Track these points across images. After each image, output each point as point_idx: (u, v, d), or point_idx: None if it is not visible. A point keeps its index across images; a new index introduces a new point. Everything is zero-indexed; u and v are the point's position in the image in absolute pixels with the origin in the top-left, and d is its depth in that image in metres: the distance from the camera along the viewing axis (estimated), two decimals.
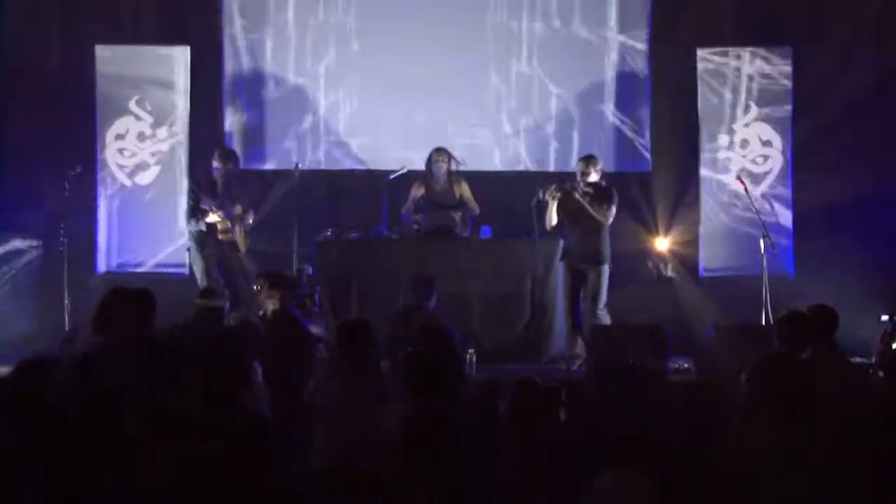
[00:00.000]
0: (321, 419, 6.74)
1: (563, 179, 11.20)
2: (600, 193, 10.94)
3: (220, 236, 11.22)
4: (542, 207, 10.96)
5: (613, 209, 10.94)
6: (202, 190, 11.35)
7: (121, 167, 12.56)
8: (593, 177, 10.97)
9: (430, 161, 11.66)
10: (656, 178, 12.82)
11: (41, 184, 12.30)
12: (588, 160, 11.13)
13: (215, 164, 11.46)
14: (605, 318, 10.86)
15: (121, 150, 12.57)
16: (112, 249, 12.51)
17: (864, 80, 12.45)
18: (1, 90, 12.66)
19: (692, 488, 5.41)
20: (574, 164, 11.94)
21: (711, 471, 5.46)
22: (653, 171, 12.88)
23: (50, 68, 12.54)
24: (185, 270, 12.13)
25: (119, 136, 12.56)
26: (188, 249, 11.59)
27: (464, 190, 11.68)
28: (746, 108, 12.56)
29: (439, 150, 11.68)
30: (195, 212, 11.28)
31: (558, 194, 10.89)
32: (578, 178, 10.99)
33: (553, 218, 10.93)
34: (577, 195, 10.87)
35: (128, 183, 12.57)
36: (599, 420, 6.29)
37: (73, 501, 5.17)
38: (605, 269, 10.94)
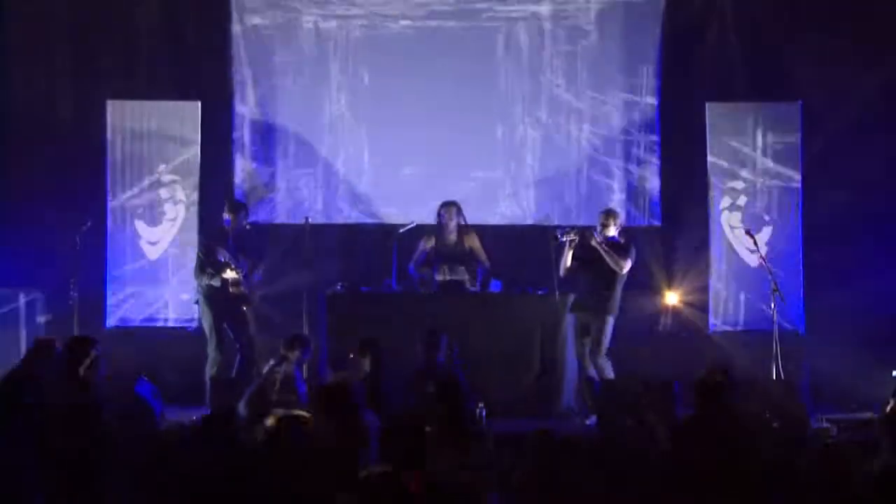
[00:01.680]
0: None
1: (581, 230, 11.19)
2: (616, 246, 10.97)
3: (231, 289, 11.17)
4: (560, 249, 10.98)
5: (629, 262, 10.95)
6: (214, 243, 11.29)
7: (132, 222, 12.58)
8: (612, 230, 11.01)
9: (439, 215, 11.68)
10: (665, 232, 12.83)
11: (52, 238, 12.32)
12: (608, 213, 11.19)
13: (226, 216, 11.44)
14: (608, 367, 10.83)
15: (132, 206, 12.59)
16: (121, 304, 12.50)
17: (873, 136, 12.48)
18: (12, 144, 12.72)
19: None
20: (582, 218, 12.05)
21: None
22: (663, 225, 12.90)
23: (61, 122, 12.62)
24: (194, 324, 12.13)
25: (132, 195, 12.59)
26: (196, 303, 11.56)
27: (473, 242, 11.68)
28: (756, 163, 12.57)
29: (448, 204, 11.70)
30: (206, 266, 11.22)
31: (576, 238, 10.92)
32: (598, 230, 11.04)
33: (568, 261, 10.95)
34: (593, 242, 10.90)
35: (138, 238, 12.58)
36: (615, 473, 6.29)
37: None
38: (609, 319, 10.94)
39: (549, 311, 11.23)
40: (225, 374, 11.03)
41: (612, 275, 10.91)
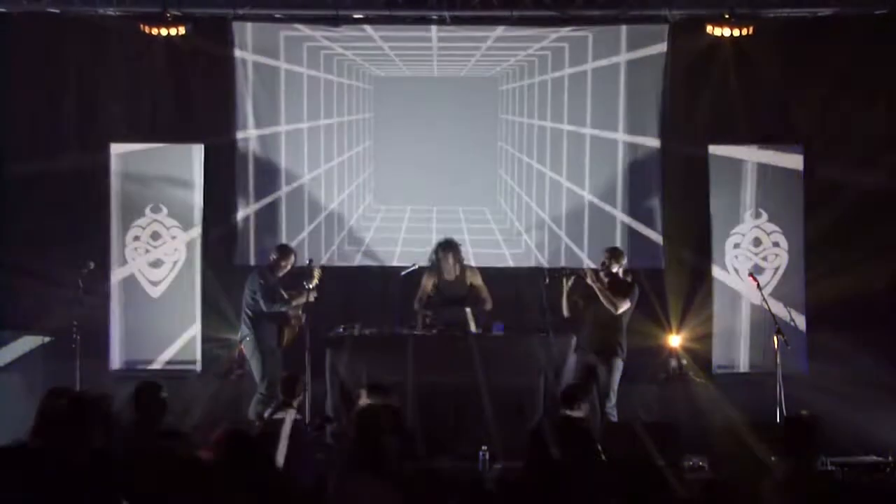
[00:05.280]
0: None
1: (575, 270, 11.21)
2: (617, 284, 10.96)
3: (292, 322, 11.25)
4: (554, 288, 10.97)
5: (627, 303, 10.91)
6: (271, 280, 11.37)
7: (135, 264, 12.60)
8: (615, 268, 11.00)
9: (436, 256, 11.62)
10: (668, 274, 12.83)
11: (55, 281, 12.32)
12: (612, 252, 11.19)
13: (278, 259, 11.47)
14: (613, 416, 10.79)
15: (136, 248, 12.62)
16: (125, 346, 12.50)
17: (874, 177, 12.49)
18: (16, 186, 12.74)
19: None
20: (585, 260, 12.12)
21: None
22: (665, 267, 12.90)
23: (65, 165, 12.63)
24: (197, 367, 12.11)
25: (136, 237, 12.63)
26: (243, 340, 11.50)
27: (476, 279, 11.63)
28: (758, 205, 12.60)
29: (443, 246, 11.62)
30: (274, 296, 11.29)
31: (571, 278, 10.92)
32: (601, 267, 11.05)
33: (565, 305, 10.94)
34: (588, 280, 10.90)
35: (141, 279, 12.60)
36: None
37: None
38: (618, 363, 10.91)
39: (553, 353, 11.20)
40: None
41: (614, 318, 10.89)
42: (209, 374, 12.28)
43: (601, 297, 10.84)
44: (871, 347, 12.04)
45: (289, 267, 11.46)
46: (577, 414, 9.08)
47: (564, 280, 10.91)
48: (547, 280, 11.00)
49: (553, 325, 11.22)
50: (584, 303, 10.95)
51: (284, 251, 11.61)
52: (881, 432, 10.57)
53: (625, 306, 10.90)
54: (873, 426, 10.90)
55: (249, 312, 11.37)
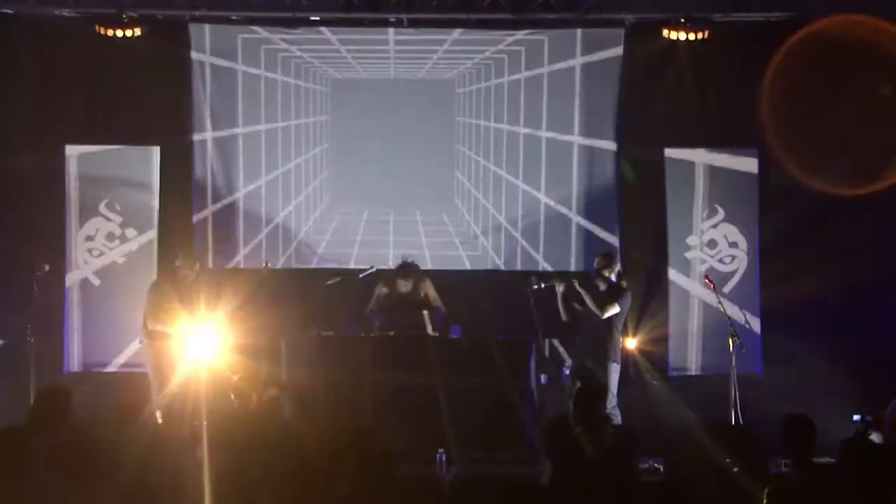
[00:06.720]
0: None
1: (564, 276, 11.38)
2: (610, 289, 11.12)
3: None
4: (541, 296, 11.07)
5: (615, 307, 11.04)
6: (167, 291, 11.28)
7: (89, 266, 12.52)
8: (607, 273, 11.16)
9: (395, 276, 11.56)
10: (625, 277, 12.84)
11: (9, 283, 12.23)
12: (605, 257, 11.36)
13: (178, 263, 11.44)
14: (617, 417, 10.83)
15: (90, 250, 12.54)
16: (79, 349, 12.41)
17: (827, 181, 12.56)
18: None
19: None
20: (541, 264, 12.19)
21: None
22: (622, 270, 12.92)
23: (20, 167, 12.53)
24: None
25: (89, 237, 12.54)
26: (141, 341, 11.44)
27: (429, 290, 11.63)
28: (713, 209, 12.67)
29: (405, 272, 11.57)
30: (159, 312, 11.21)
31: (562, 285, 11.06)
32: (594, 273, 11.22)
33: (563, 311, 11.12)
34: (577, 287, 11.04)
35: (96, 282, 12.52)
36: None
37: None
38: (613, 366, 11.04)
39: (510, 355, 11.22)
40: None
41: (606, 322, 11.04)
42: None
43: (588, 302, 10.97)
44: (825, 350, 12.14)
45: (186, 272, 11.38)
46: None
47: (557, 286, 11.02)
48: (537, 287, 11.08)
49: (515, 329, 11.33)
50: (581, 307, 11.08)
51: (180, 255, 11.57)
52: (834, 434, 10.64)
53: (612, 311, 11.05)
54: (827, 428, 10.97)
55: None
